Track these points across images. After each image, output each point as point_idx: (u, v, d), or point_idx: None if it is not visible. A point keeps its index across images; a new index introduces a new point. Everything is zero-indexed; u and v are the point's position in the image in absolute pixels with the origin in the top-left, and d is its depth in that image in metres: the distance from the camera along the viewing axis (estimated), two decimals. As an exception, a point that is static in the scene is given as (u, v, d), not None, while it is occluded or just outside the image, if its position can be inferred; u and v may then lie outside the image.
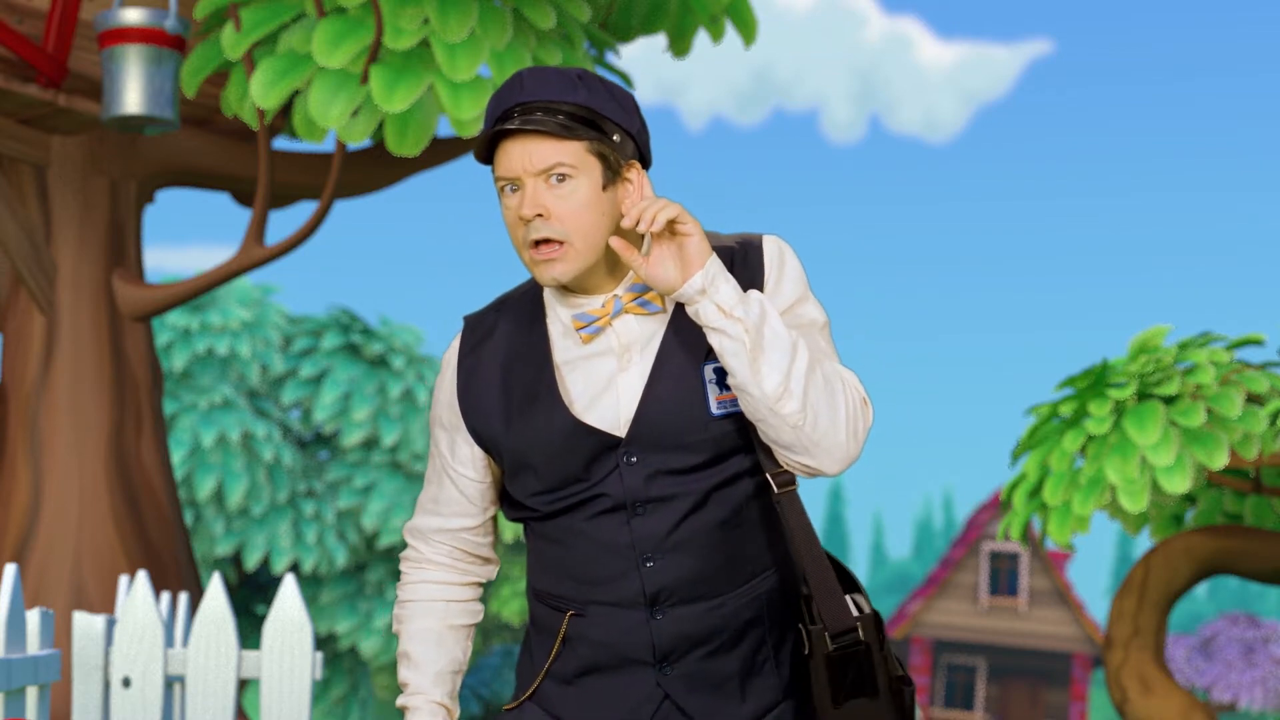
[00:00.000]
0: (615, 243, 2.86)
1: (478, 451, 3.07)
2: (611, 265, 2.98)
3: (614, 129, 2.96)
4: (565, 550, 3.00)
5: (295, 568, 30.37)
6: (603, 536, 2.96)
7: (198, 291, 9.40)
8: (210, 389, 29.21)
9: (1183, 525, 10.10)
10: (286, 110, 9.58)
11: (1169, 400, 8.80)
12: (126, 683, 5.50)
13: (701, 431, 2.94)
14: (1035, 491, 9.02)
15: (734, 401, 2.96)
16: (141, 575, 5.52)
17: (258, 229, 9.27)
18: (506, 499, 3.10)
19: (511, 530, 33.40)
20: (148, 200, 9.93)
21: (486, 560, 3.16)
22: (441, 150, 10.02)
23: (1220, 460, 8.45)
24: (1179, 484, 8.46)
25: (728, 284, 2.86)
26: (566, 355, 3.00)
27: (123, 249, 9.58)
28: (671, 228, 2.86)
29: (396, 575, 30.40)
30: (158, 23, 8.20)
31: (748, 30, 10.07)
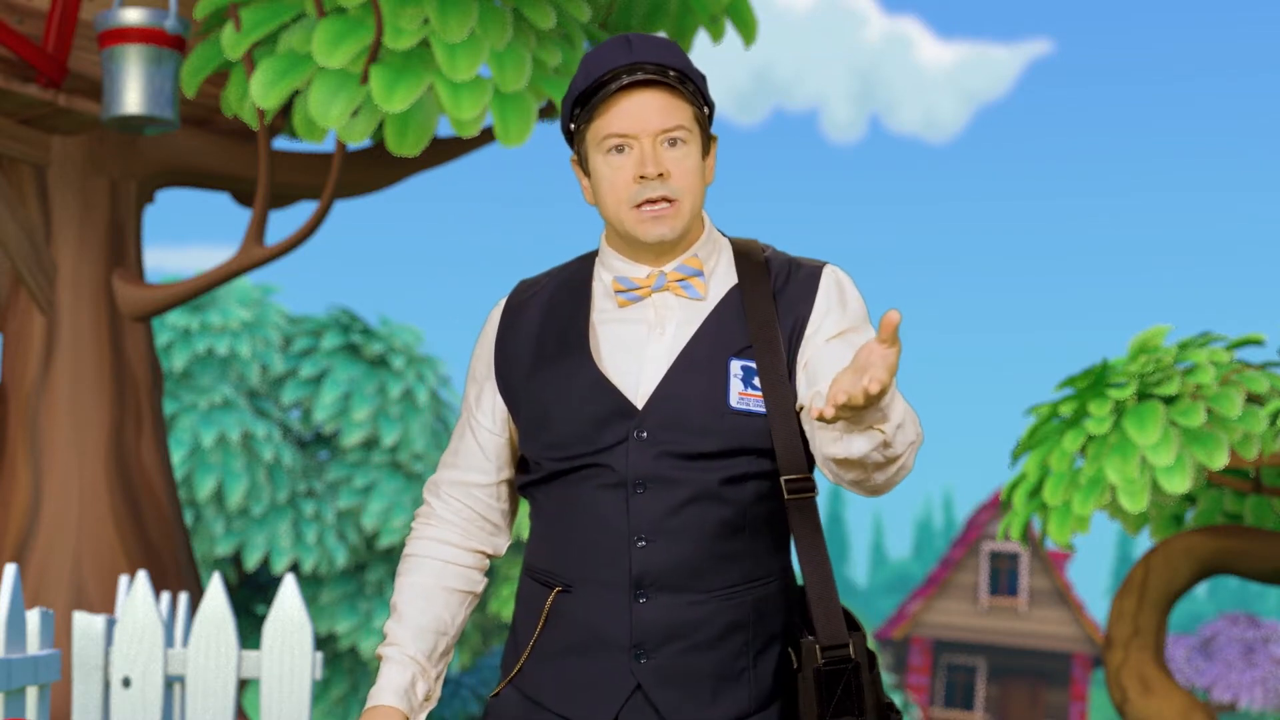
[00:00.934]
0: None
1: (500, 405, 3.08)
2: (676, 239, 2.99)
3: (706, 101, 2.99)
4: (563, 524, 3.00)
5: (295, 568, 30.36)
6: (601, 510, 2.96)
7: (198, 291, 9.40)
8: (210, 389, 29.20)
9: (1183, 525, 10.10)
10: (286, 110, 9.58)
11: (1169, 400, 8.80)
12: (126, 683, 5.50)
13: (717, 420, 2.93)
14: (1035, 491, 9.01)
15: (757, 401, 2.95)
16: (141, 575, 5.51)
17: (258, 229, 9.26)
18: (519, 466, 3.11)
19: (512, 530, 33.38)
20: (148, 200, 9.92)
21: (496, 528, 3.15)
22: (441, 150, 10.02)
23: (1220, 460, 8.45)
24: (1179, 484, 8.46)
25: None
26: (603, 315, 3.02)
27: (123, 249, 9.58)
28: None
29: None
30: (158, 23, 8.20)
31: (748, 30, 10.07)
